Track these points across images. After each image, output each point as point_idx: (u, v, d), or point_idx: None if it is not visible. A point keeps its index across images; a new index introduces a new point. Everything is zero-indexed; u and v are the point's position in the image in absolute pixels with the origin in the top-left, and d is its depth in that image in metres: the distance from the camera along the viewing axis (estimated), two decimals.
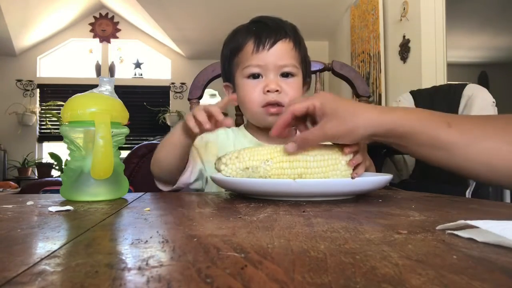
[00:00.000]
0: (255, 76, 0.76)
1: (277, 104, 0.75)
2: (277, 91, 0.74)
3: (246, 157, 0.53)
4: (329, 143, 0.55)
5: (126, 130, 0.57)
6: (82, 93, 0.55)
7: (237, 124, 0.95)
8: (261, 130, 0.81)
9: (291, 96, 0.75)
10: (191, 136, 0.65)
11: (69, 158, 0.54)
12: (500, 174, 0.47)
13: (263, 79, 0.76)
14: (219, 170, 0.55)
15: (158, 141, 2.44)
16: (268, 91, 0.74)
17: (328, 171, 0.52)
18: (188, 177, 0.74)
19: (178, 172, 0.72)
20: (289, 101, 0.61)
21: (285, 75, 0.76)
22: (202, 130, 0.59)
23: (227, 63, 0.83)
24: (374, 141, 0.53)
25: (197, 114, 0.58)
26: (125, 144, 0.59)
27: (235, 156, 0.54)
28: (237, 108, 0.89)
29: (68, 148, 0.54)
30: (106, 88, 0.56)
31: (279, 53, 0.75)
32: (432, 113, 0.51)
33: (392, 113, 0.50)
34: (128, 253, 0.23)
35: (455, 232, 0.28)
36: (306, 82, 0.84)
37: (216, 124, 0.58)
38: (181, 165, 0.72)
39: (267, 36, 0.75)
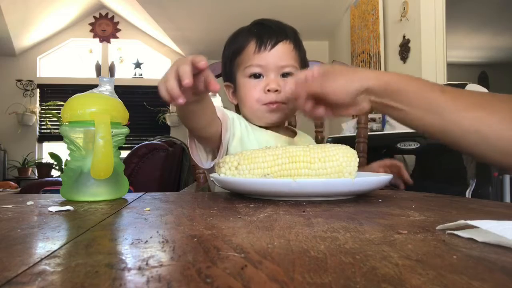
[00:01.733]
0: (256, 76, 0.78)
1: (277, 103, 0.77)
2: (277, 90, 0.76)
3: (246, 170, 0.53)
4: (331, 145, 0.55)
5: (126, 130, 0.57)
6: (82, 93, 0.55)
7: None
8: (265, 128, 0.82)
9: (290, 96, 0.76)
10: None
11: (69, 158, 0.54)
12: (490, 146, 0.48)
13: (264, 78, 0.78)
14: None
15: (158, 141, 2.44)
16: (268, 90, 0.76)
17: None
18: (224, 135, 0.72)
19: (209, 125, 0.68)
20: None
21: (285, 75, 0.78)
22: (177, 102, 0.49)
23: (228, 63, 0.84)
24: (371, 108, 0.54)
25: (168, 80, 0.48)
26: (125, 144, 0.59)
27: (234, 166, 0.53)
28: (236, 107, 0.90)
29: (68, 148, 0.54)
30: (106, 88, 0.56)
31: (280, 54, 0.77)
32: (427, 80, 0.53)
33: (387, 73, 0.54)
34: (128, 253, 0.23)
35: (455, 232, 0.28)
36: None
37: (195, 90, 0.52)
38: (206, 120, 0.67)
39: (268, 37, 0.77)
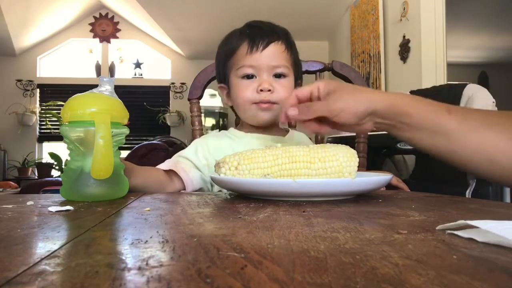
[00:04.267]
0: (249, 76, 0.79)
1: (269, 102, 0.78)
2: (269, 90, 0.77)
3: (246, 170, 0.53)
4: (333, 146, 0.55)
5: (126, 130, 0.57)
6: (82, 93, 0.55)
7: (238, 124, 0.95)
8: (256, 128, 0.84)
9: (283, 95, 0.78)
10: None
11: (69, 158, 0.54)
12: (498, 166, 0.47)
13: (256, 79, 0.79)
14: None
15: (158, 141, 2.44)
16: (261, 90, 0.77)
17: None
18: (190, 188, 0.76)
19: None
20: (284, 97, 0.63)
21: (278, 76, 0.80)
22: None
23: (221, 65, 0.86)
24: (375, 128, 0.54)
25: None
26: (125, 144, 0.59)
27: (234, 166, 0.53)
28: (233, 109, 0.90)
29: (68, 148, 0.54)
30: (106, 88, 0.56)
31: (272, 55, 0.79)
32: (433, 101, 0.53)
33: (393, 94, 0.53)
34: (128, 253, 0.23)
35: (455, 232, 0.28)
36: (297, 84, 0.87)
37: None
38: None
39: (260, 38, 0.79)
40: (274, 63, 0.79)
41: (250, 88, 0.78)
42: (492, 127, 0.47)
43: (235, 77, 0.81)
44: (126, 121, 0.57)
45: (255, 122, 0.82)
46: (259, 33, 0.80)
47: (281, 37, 0.81)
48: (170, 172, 0.75)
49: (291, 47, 0.83)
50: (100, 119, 0.51)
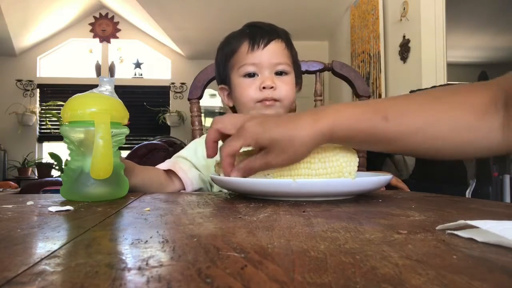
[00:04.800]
0: (251, 75, 0.80)
1: (273, 99, 0.78)
2: (272, 88, 0.77)
3: None
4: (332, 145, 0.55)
5: (126, 130, 0.57)
6: (82, 93, 0.55)
7: None
8: None
9: (285, 92, 0.78)
10: None
11: (69, 158, 0.54)
12: (445, 151, 0.49)
13: (258, 77, 0.79)
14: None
15: (158, 141, 2.44)
16: (264, 88, 0.77)
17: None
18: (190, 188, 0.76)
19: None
20: (224, 144, 0.53)
21: (279, 74, 0.80)
22: None
23: (222, 66, 0.86)
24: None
25: None
26: (125, 144, 0.59)
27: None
28: (233, 110, 0.90)
29: (68, 148, 0.54)
30: (106, 88, 0.56)
31: (273, 52, 0.79)
32: (367, 105, 0.50)
33: (325, 118, 0.48)
34: (128, 253, 0.23)
35: (455, 232, 0.28)
36: (297, 83, 0.87)
37: None
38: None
39: (261, 37, 0.79)
40: (275, 61, 0.79)
41: (253, 86, 0.78)
42: (433, 121, 0.48)
43: (236, 76, 0.81)
44: (126, 121, 0.57)
45: None
46: (259, 32, 0.80)
47: (281, 35, 0.82)
48: (170, 172, 0.75)
49: (291, 47, 0.84)
50: (100, 119, 0.51)
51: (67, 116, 0.53)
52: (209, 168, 0.78)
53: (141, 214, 0.39)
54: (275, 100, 0.78)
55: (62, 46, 4.95)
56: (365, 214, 0.38)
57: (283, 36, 0.83)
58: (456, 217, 0.32)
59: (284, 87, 0.79)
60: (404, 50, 2.55)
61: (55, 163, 4.27)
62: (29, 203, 0.47)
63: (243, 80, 0.80)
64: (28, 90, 4.75)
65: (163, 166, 0.76)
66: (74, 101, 0.54)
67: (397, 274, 0.19)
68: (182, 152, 0.82)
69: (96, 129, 0.50)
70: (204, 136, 0.88)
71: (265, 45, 0.79)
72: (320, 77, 1.04)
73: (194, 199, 0.52)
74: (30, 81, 4.75)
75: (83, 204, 0.47)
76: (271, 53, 0.79)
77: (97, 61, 4.96)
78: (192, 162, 0.78)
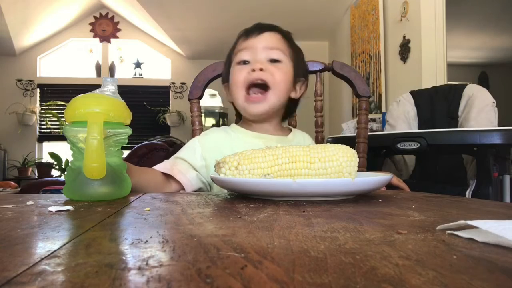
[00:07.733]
0: (246, 62, 0.81)
1: (260, 86, 0.78)
2: (261, 69, 0.77)
3: (246, 170, 0.53)
4: (332, 145, 0.55)
5: (128, 130, 0.57)
6: (85, 94, 0.54)
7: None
8: (255, 123, 0.84)
9: (278, 78, 0.78)
10: None
11: (71, 158, 0.54)
12: None
13: (251, 63, 0.80)
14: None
15: (158, 141, 2.44)
16: (253, 70, 0.77)
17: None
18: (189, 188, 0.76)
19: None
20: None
21: (274, 62, 0.80)
22: None
23: (226, 64, 0.88)
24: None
25: None
26: (125, 144, 0.59)
27: (234, 166, 0.53)
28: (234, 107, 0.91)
29: (71, 148, 0.54)
30: (109, 89, 0.56)
31: (267, 39, 0.81)
32: None
33: None
34: (128, 253, 0.23)
35: (455, 232, 0.28)
36: (299, 80, 0.87)
37: None
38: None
39: (258, 27, 0.82)
40: (269, 45, 0.79)
41: (244, 71, 0.79)
42: None
43: (233, 66, 0.83)
44: (129, 121, 0.57)
45: (248, 115, 0.82)
46: (258, 25, 0.83)
47: (280, 30, 0.83)
48: (168, 174, 0.75)
49: (290, 42, 0.84)
50: (92, 119, 0.50)
51: (68, 117, 0.53)
52: (209, 168, 0.78)
53: (141, 214, 0.39)
54: (264, 84, 0.77)
55: (62, 46, 4.95)
56: (365, 214, 0.38)
57: (283, 32, 0.84)
58: (456, 217, 0.32)
59: (276, 71, 0.78)
60: (404, 50, 2.55)
61: (55, 163, 4.27)
62: (29, 203, 0.47)
63: (237, 66, 0.81)
64: (28, 90, 4.75)
65: (161, 166, 0.75)
66: (77, 102, 0.54)
67: (397, 274, 0.19)
68: (180, 153, 0.81)
69: (89, 129, 0.50)
70: (204, 132, 0.88)
71: (260, 33, 0.81)
72: (320, 77, 1.04)
73: (194, 199, 0.52)
74: (30, 81, 4.75)
75: (83, 204, 0.47)
76: (265, 40, 0.80)
77: (97, 61, 4.96)
78: (190, 163, 0.78)
